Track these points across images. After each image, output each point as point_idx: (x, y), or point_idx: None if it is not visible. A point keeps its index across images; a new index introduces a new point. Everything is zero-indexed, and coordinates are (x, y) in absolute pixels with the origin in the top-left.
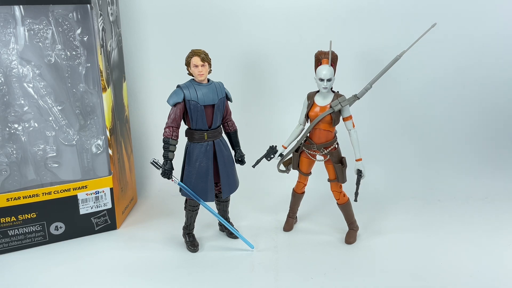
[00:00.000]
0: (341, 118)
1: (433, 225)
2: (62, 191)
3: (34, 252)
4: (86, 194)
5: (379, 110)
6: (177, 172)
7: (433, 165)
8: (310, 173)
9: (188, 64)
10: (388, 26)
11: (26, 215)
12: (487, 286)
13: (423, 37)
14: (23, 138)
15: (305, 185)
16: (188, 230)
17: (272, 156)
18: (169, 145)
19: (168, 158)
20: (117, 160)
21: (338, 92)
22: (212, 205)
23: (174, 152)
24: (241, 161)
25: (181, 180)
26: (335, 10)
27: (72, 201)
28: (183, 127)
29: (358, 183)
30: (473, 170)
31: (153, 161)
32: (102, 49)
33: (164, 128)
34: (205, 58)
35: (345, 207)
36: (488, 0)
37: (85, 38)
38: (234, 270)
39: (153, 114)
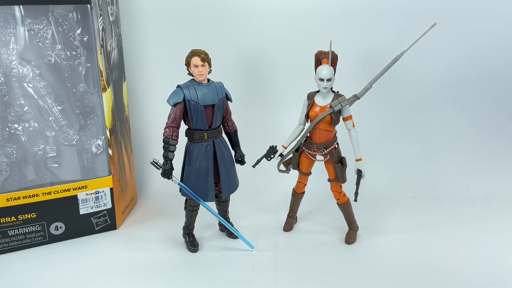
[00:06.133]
0: (341, 118)
1: (433, 225)
2: (62, 191)
3: (34, 252)
4: (86, 194)
5: (379, 110)
6: (177, 172)
7: (433, 165)
8: (310, 173)
9: (188, 64)
10: (388, 25)
11: (26, 215)
12: (487, 286)
13: (423, 37)
14: (23, 138)
15: (305, 185)
16: (188, 230)
17: (272, 156)
18: (169, 145)
19: (168, 158)
20: (117, 160)
21: (338, 92)
22: (212, 205)
23: (174, 152)
24: (241, 161)
25: (181, 180)
26: (335, 10)
27: (72, 201)
28: (183, 127)
29: (358, 183)
30: (473, 170)
31: (153, 161)
32: (102, 49)
33: (164, 128)
34: (205, 58)
35: (345, 207)
36: (488, 0)
37: (85, 38)
38: (234, 270)
39: (153, 114)
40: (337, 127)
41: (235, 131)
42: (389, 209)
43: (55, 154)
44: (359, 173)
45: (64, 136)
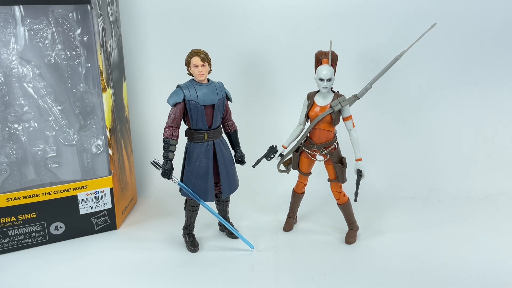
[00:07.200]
0: (341, 118)
1: (433, 225)
2: (62, 191)
3: (34, 252)
4: (86, 194)
5: (379, 110)
6: (177, 172)
7: (433, 165)
8: (310, 173)
9: (188, 64)
10: (388, 25)
11: (26, 215)
12: (487, 286)
13: (423, 37)
14: (23, 138)
15: (305, 185)
16: (188, 230)
17: (272, 156)
18: (169, 145)
19: (168, 158)
20: (117, 160)
21: (338, 92)
22: (212, 205)
23: (174, 152)
24: (241, 161)
25: (181, 180)
26: (335, 10)
27: (72, 201)
28: (183, 127)
29: (358, 183)
30: (473, 170)
31: (153, 161)
32: (102, 49)
33: (164, 128)
34: (205, 58)
35: (345, 207)
36: (487, 0)
37: (85, 38)
38: (234, 270)
39: (153, 114)
40: (337, 127)
41: (235, 131)
42: (389, 209)
43: (55, 154)
44: (359, 173)
45: (64, 136)
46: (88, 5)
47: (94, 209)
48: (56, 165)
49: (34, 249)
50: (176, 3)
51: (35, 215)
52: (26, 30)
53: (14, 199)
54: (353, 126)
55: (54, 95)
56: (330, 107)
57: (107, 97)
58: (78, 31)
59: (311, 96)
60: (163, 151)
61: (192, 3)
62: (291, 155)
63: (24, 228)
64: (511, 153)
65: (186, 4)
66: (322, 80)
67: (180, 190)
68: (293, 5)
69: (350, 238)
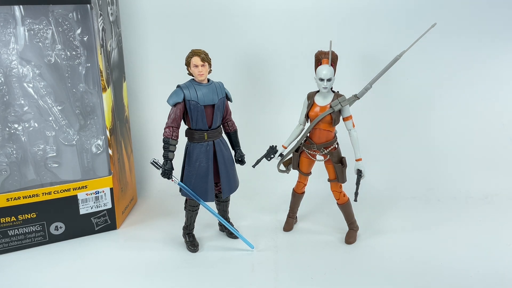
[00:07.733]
0: (341, 118)
1: (433, 225)
2: (62, 191)
3: (34, 252)
4: (86, 194)
5: (379, 110)
6: (177, 172)
7: (433, 165)
8: (310, 173)
9: (188, 64)
10: (388, 26)
11: (26, 215)
12: (487, 286)
13: (423, 37)
14: (23, 138)
15: (305, 185)
16: (188, 230)
17: (272, 156)
18: (169, 145)
19: (168, 158)
20: (117, 160)
21: (338, 92)
22: (212, 205)
23: (174, 152)
24: (241, 161)
25: (181, 180)
26: (335, 10)
27: (72, 201)
28: (183, 127)
29: (358, 183)
30: (473, 170)
31: (153, 161)
32: (102, 49)
33: (164, 128)
34: (205, 58)
35: (345, 207)
36: (487, 0)
37: (85, 38)
38: (234, 270)
39: (153, 114)
40: (337, 127)
41: (235, 131)
42: (389, 209)
43: (55, 154)
44: (359, 173)
45: (64, 136)
46: (88, 5)
47: (94, 209)
48: (56, 165)
49: (34, 249)
50: (176, 3)
51: (35, 215)
52: (26, 30)
53: (14, 199)
54: (353, 126)
55: (54, 95)
56: (330, 107)
57: (107, 97)
58: (78, 31)
59: (311, 96)
60: (163, 151)
61: (192, 3)
62: (291, 155)
63: (24, 228)
64: (511, 153)
65: (186, 4)
66: (322, 80)
67: (180, 190)
68: (293, 5)
69: (350, 238)
